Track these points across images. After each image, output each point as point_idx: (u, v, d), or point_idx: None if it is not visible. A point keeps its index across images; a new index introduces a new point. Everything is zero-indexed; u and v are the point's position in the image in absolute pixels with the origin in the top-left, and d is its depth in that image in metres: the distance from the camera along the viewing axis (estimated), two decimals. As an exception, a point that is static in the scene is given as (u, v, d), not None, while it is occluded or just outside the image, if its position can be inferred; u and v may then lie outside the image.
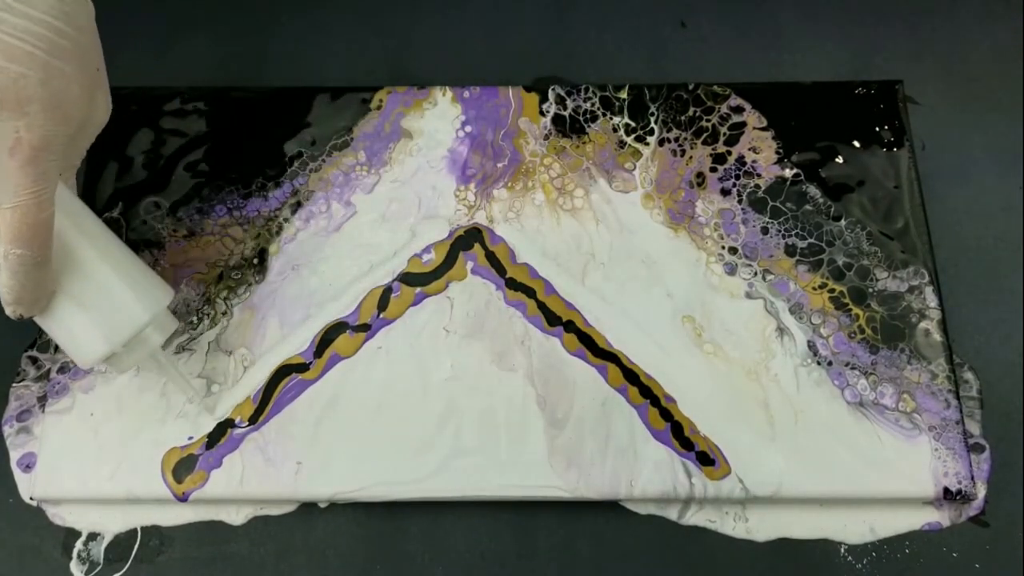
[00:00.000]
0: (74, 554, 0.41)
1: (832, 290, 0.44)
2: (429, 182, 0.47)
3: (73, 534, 0.42)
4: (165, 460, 0.41)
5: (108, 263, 0.37)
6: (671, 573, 0.41)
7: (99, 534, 0.42)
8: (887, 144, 0.48)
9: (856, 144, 0.48)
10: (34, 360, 0.45)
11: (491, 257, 0.45)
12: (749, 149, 0.48)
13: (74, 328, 0.37)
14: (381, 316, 0.44)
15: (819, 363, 0.43)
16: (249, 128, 0.49)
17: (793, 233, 0.46)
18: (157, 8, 0.54)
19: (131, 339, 0.38)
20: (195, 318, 0.44)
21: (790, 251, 0.45)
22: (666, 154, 0.48)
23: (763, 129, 0.48)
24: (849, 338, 0.43)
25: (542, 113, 0.49)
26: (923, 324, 0.44)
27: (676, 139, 0.48)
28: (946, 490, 0.40)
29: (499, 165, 0.47)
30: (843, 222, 0.46)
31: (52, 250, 0.34)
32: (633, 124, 0.48)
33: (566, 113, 0.49)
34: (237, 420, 0.42)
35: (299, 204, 0.47)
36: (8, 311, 0.35)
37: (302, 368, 0.43)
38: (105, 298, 0.37)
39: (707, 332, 0.43)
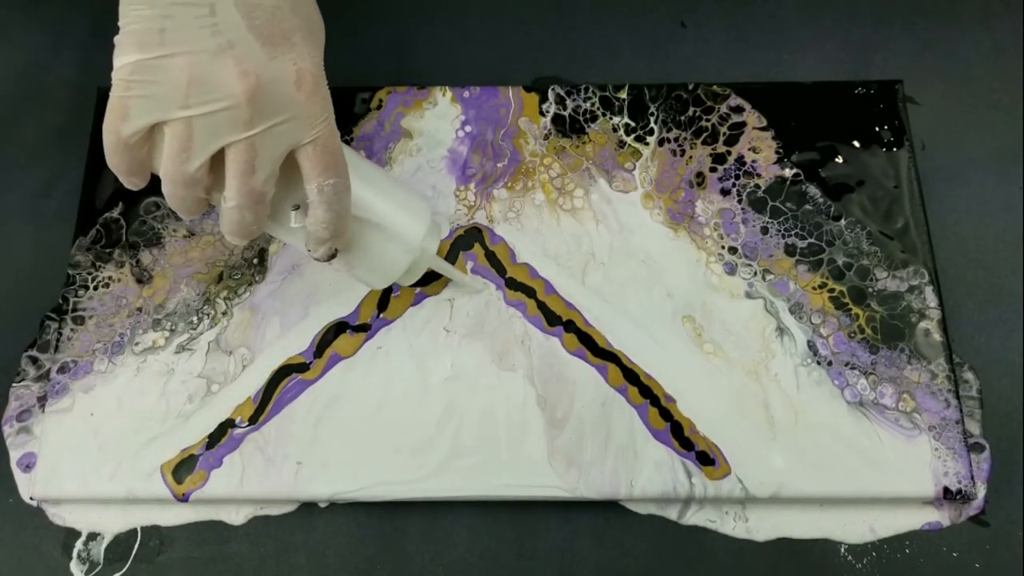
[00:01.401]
0: (74, 554, 0.41)
1: (832, 290, 0.44)
2: (429, 182, 0.47)
3: (73, 534, 0.42)
4: (165, 460, 0.41)
5: (378, 186, 0.38)
6: (671, 573, 0.41)
7: (99, 534, 0.42)
8: (887, 144, 0.48)
9: (856, 144, 0.48)
10: (34, 360, 0.45)
11: (491, 257, 0.45)
12: (749, 149, 0.48)
13: (375, 251, 0.37)
14: (381, 316, 0.44)
15: (819, 363, 0.43)
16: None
17: (793, 233, 0.46)
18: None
19: (421, 247, 0.38)
20: (195, 318, 0.44)
21: (790, 251, 0.45)
22: (666, 154, 0.48)
23: (763, 129, 0.48)
24: (849, 338, 0.43)
25: (542, 113, 0.49)
26: (923, 324, 0.44)
27: (676, 139, 0.48)
28: (946, 490, 0.40)
29: (499, 165, 0.47)
30: (843, 222, 0.46)
31: (348, 173, 0.34)
32: (633, 124, 0.48)
33: (566, 113, 0.49)
34: (237, 420, 0.42)
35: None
36: (322, 251, 0.35)
37: (302, 368, 0.43)
38: (390, 217, 0.37)
39: (707, 332, 0.43)
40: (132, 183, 0.33)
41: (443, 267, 0.42)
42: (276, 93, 0.31)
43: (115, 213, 0.47)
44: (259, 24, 0.31)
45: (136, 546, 0.41)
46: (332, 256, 0.36)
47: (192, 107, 0.30)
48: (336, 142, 0.33)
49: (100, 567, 0.41)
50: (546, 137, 0.48)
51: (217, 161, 0.32)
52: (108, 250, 0.46)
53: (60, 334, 0.44)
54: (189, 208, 0.34)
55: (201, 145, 0.31)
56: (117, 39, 0.30)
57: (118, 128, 0.31)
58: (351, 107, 0.49)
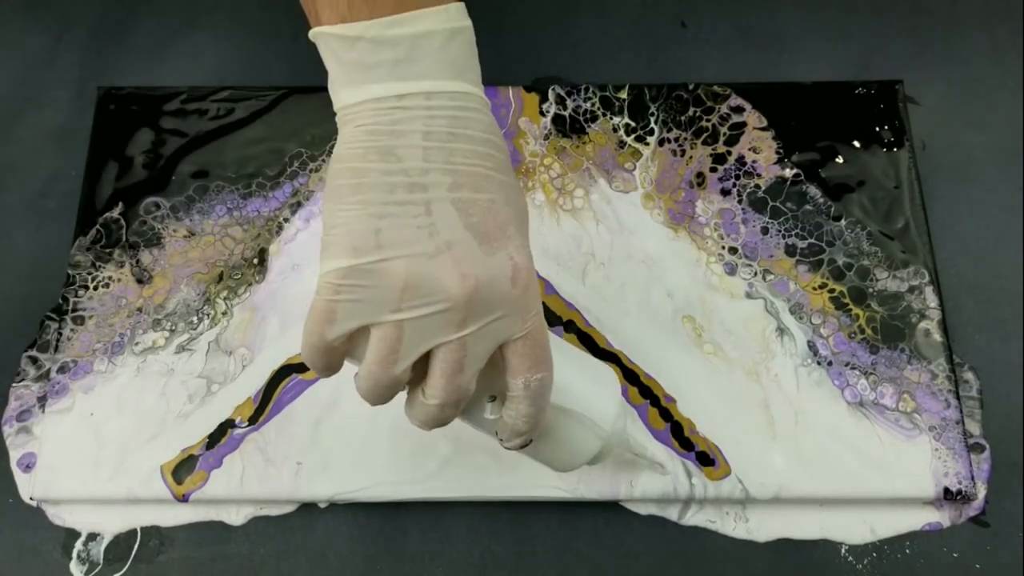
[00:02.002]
0: (74, 554, 0.41)
1: (832, 290, 0.44)
2: (429, 182, 0.47)
3: (73, 534, 0.42)
4: (165, 460, 0.41)
5: (570, 366, 0.35)
6: (671, 573, 0.41)
7: (99, 534, 0.42)
8: (887, 144, 0.48)
9: (856, 144, 0.48)
10: (34, 360, 0.45)
11: (491, 257, 0.45)
12: (749, 149, 0.48)
13: (565, 437, 0.35)
14: (381, 316, 0.44)
15: (819, 363, 0.43)
16: (249, 128, 0.49)
17: (793, 233, 0.46)
18: (157, 8, 0.54)
19: (612, 430, 0.35)
20: (195, 318, 0.44)
21: (790, 251, 0.45)
22: (666, 154, 0.48)
23: (763, 129, 0.48)
24: (849, 338, 0.43)
25: (542, 113, 0.49)
26: (923, 324, 0.44)
27: (676, 139, 0.48)
28: (946, 490, 0.40)
29: (499, 165, 0.47)
30: (843, 222, 0.46)
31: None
32: (633, 124, 0.48)
33: (566, 113, 0.49)
34: (237, 420, 0.42)
35: (299, 204, 0.47)
36: (516, 443, 0.33)
37: (302, 368, 0.43)
38: (581, 399, 0.35)
39: (707, 332, 0.43)
40: (324, 375, 0.32)
41: (638, 447, 0.39)
42: (493, 291, 0.29)
43: (115, 213, 0.47)
44: (476, 221, 0.29)
45: (136, 546, 0.41)
46: (525, 446, 0.34)
47: (405, 311, 0.28)
48: (545, 335, 0.31)
49: (100, 567, 0.41)
50: (546, 137, 0.48)
51: (422, 357, 0.30)
52: (108, 250, 0.46)
53: (60, 334, 0.44)
54: (383, 402, 0.32)
55: (410, 347, 0.29)
56: (325, 239, 0.29)
57: (323, 331, 0.29)
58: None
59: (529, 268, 0.30)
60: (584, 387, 0.35)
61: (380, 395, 0.31)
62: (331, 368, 0.31)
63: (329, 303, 0.28)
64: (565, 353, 0.35)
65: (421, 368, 0.30)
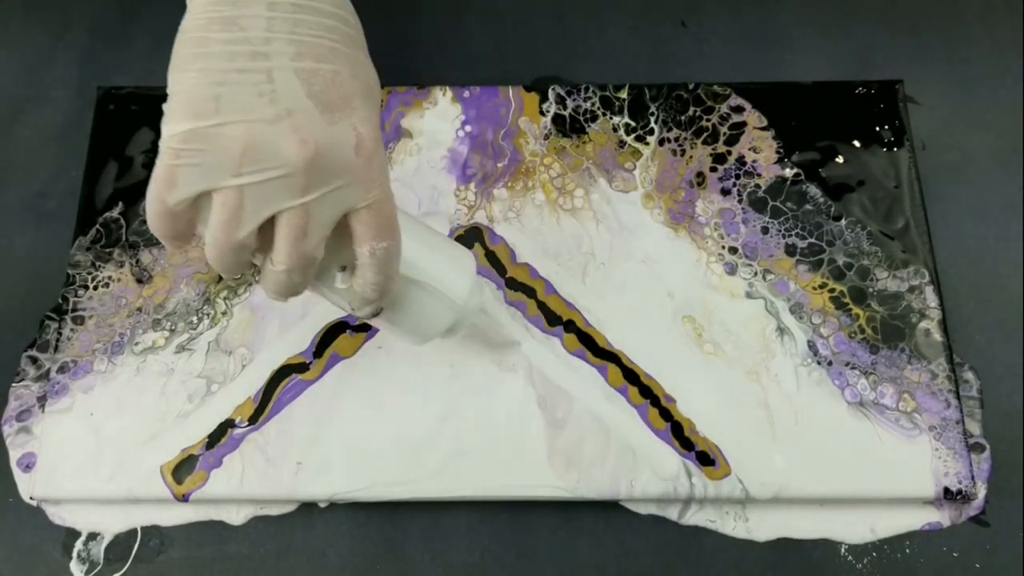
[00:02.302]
0: (74, 554, 0.41)
1: (832, 290, 0.44)
2: (429, 182, 0.47)
3: (73, 534, 0.42)
4: (165, 460, 0.41)
5: (423, 242, 0.37)
6: (671, 573, 0.41)
7: (99, 534, 0.42)
8: (887, 144, 0.48)
9: (856, 144, 0.48)
10: (34, 360, 0.45)
11: (491, 257, 0.45)
12: (749, 149, 0.48)
13: (417, 310, 0.37)
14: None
15: (819, 363, 0.43)
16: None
17: (793, 233, 0.46)
18: (157, 8, 0.54)
19: (465, 305, 0.38)
20: (195, 318, 0.44)
21: (790, 251, 0.45)
22: (666, 154, 0.48)
23: (763, 129, 0.48)
24: (849, 338, 0.43)
25: (542, 113, 0.49)
26: (923, 324, 0.44)
27: (676, 139, 0.48)
28: (946, 490, 0.40)
29: (499, 165, 0.47)
30: (843, 222, 0.46)
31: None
32: (633, 124, 0.48)
33: (566, 113, 0.49)
34: (237, 420, 0.42)
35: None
36: (367, 311, 0.34)
37: (302, 368, 0.43)
38: (433, 275, 0.37)
39: (707, 332, 0.43)
40: (175, 246, 0.32)
41: (486, 323, 0.41)
42: (334, 159, 0.30)
43: (115, 213, 0.47)
44: (318, 90, 0.30)
45: (136, 546, 0.41)
46: (376, 315, 0.35)
47: (245, 175, 0.29)
48: (391, 205, 0.33)
49: (100, 567, 0.41)
50: (546, 137, 0.48)
51: (265, 224, 0.31)
52: (108, 250, 0.46)
53: (60, 334, 0.44)
54: (233, 271, 0.32)
55: (252, 213, 0.30)
56: (167, 106, 0.29)
57: (164, 197, 0.30)
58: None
59: (374, 139, 0.31)
60: (437, 262, 0.37)
61: (227, 262, 0.32)
62: (179, 237, 0.31)
63: (170, 168, 0.29)
64: (419, 229, 0.37)
65: (269, 236, 0.31)
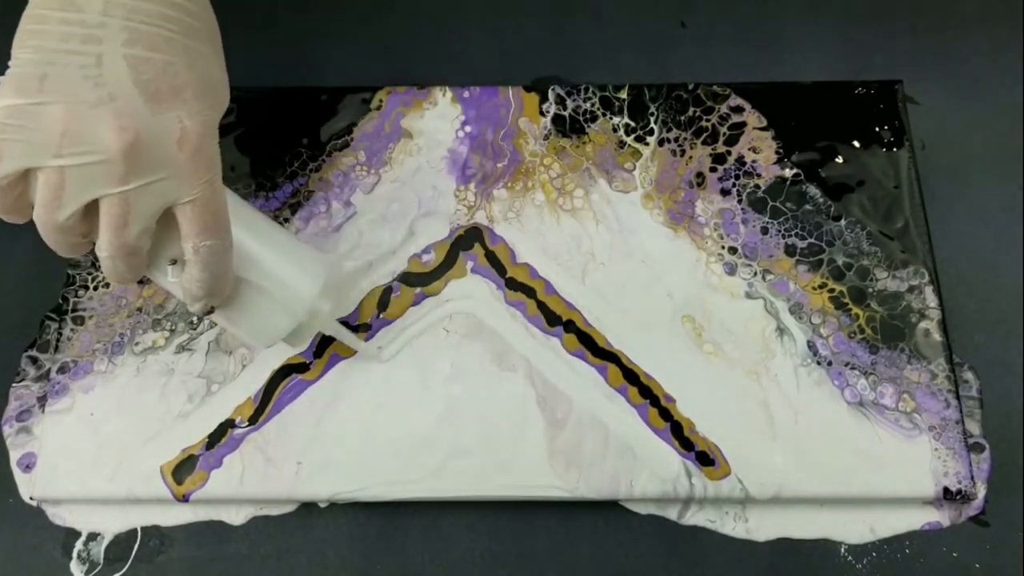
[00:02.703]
0: (74, 554, 0.41)
1: (832, 290, 0.44)
2: (429, 182, 0.47)
3: (73, 534, 0.42)
4: (165, 460, 0.41)
5: (270, 245, 0.37)
6: (671, 573, 0.41)
7: (99, 534, 0.42)
8: (887, 144, 0.48)
9: (856, 144, 0.48)
10: (34, 360, 0.45)
11: (491, 257, 0.45)
12: (749, 149, 0.48)
13: (256, 312, 0.37)
14: (381, 316, 0.44)
15: (819, 363, 0.43)
16: (249, 128, 0.49)
17: (793, 233, 0.46)
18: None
19: (310, 311, 0.38)
20: (195, 318, 0.44)
21: (790, 251, 0.45)
22: (666, 154, 0.48)
23: (763, 129, 0.48)
24: (849, 338, 0.43)
25: (542, 113, 0.49)
26: (923, 324, 0.44)
27: (676, 139, 0.48)
28: (946, 490, 0.40)
29: (499, 165, 0.47)
30: (843, 222, 0.46)
31: (231, 236, 0.34)
32: (633, 124, 0.48)
33: (566, 113, 0.49)
34: (237, 420, 0.42)
35: (299, 204, 0.47)
36: (197, 307, 0.35)
37: (302, 368, 0.43)
38: (278, 278, 0.37)
39: (707, 332, 0.43)
40: (10, 219, 0.32)
41: (338, 332, 0.41)
42: (156, 150, 0.30)
43: (115, 213, 0.47)
44: (147, 79, 0.30)
45: (136, 546, 0.41)
46: (209, 312, 0.35)
47: (65, 157, 0.29)
48: (217, 203, 0.32)
49: (100, 567, 0.41)
50: (546, 137, 0.48)
51: (93, 208, 0.31)
52: (108, 250, 0.46)
53: (60, 334, 0.44)
54: (64, 251, 0.33)
55: (72, 195, 0.30)
56: (0, 79, 0.30)
57: None
58: (351, 107, 0.49)
59: (201, 135, 0.31)
60: (281, 267, 0.37)
61: (54, 241, 0.32)
62: (8, 212, 0.32)
63: None
64: (268, 231, 0.37)
65: (97, 222, 0.31)
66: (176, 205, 0.32)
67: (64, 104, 0.29)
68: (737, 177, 0.47)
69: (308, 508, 0.42)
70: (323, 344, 0.43)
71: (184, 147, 0.31)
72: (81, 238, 0.32)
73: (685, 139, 0.48)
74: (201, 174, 0.31)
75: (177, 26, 0.31)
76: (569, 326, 0.44)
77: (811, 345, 0.43)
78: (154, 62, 0.30)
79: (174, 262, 0.34)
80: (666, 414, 0.42)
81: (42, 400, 0.43)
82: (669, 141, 0.48)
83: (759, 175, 0.47)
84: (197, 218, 0.32)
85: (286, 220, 0.46)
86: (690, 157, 0.48)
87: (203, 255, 0.32)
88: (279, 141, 0.48)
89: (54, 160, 0.29)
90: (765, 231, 0.46)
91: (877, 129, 0.48)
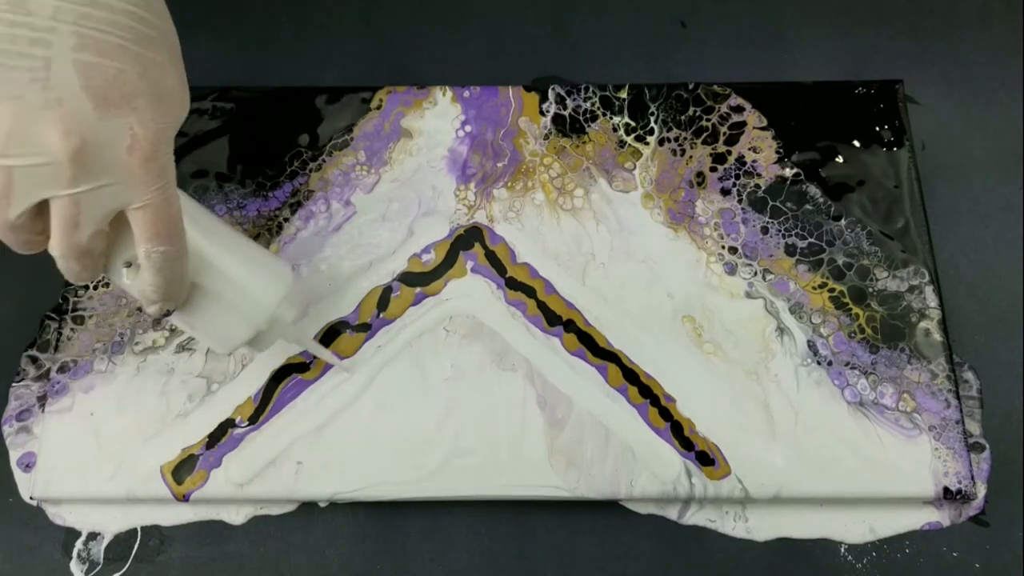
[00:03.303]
0: (74, 554, 0.41)
1: (832, 290, 0.44)
2: (429, 182, 0.47)
3: (73, 534, 0.42)
4: (165, 460, 0.41)
5: (231, 252, 0.37)
6: (671, 573, 0.41)
7: (99, 534, 0.42)
8: (887, 144, 0.48)
9: (856, 144, 0.48)
10: (34, 360, 0.45)
11: (491, 256, 0.45)
12: (749, 149, 0.48)
13: (214, 318, 0.37)
14: (381, 316, 0.44)
15: (819, 363, 0.43)
16: (249, 128, 0.49)
17: (793, 233, 0.46)
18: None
19: (269, 319, 0.38)
20: (195, 318, 0.44)
21: (790, 251, 0.45)
22: (666, 154, 0.48)
23: (763, 129, 0.48)
24: (849, 338, 0.43)
25: (542, 113, 0.49)
26: (923, 324, 0.44)
27: (676, 139, 0.48)
28: (946, 490, 0.40)
29: (499, 165, 0.47)
30: (843, 222, 0.46)
31: (186, 242, 0.34)
32: (633, 124, 0.48)
33: (566, 113, 0.49)
34: (237, 420, 0.42)
35: (299, 204, 0.47)
36: (152, 309, 0.35)
37: (302, 368, 0.43)
38: (237, 285, 0.37)
39: (707, 332, 0.43)
40: None
41: (305, 343, 0.41)
42: (104, 156, 0.30)
43: (115, 213, 0.47)
44: (96, 85, 0.30)
45: (136, 546, 0.41)
46: (165, 315, 0.36)
47: (12, 157, 0.30)
48: (170, 211, 0.33)
49: (100, 567, 0.41)
50: (546, 137, 0.48)
51: (46, 208, 0.31)
52: (108, 250, 0.46)
53: (60, 334, 0.44)
54: (19, 248, 0.33)
55: (21, 195, 0.30)
56: None
57: None
58: (351, 107, 0.49)
59: (153, 142, 0.31)
60: (240, 275, 0.37)
61: (6, 238, 0.33)
62: None
63: None
64: (228, 238, 0.38)
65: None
66: (128, 209, 0.32)
67: (11, 103, 0.29)
68: (737, 177, 0.47)
69: (308, 508, 0.42)
70: (323, 344, 0.43)
71: (134, 154, 0.31)
72: (35, 235, 0.32)
73: (685, 139, 0.48)
74: (151, 181, 0.32)
75: (129, 34, 0.31)
76: (569, 326, 0.44)
77: (811, 345, 0.43)
78: (104, 68, 0.30)
79: (129, 264, 0.35)
80: (666, 414, 0.42)
81: (42, 400, 0.43)
82: (669, 141, 0.48)
83: (759, 175, 0.47)
84: (149, 224, 0.32)
85: (286, 220, 0.46)
86: (690, 157, 0.48)
87: (155, 260, 0.33)
88: (279, 141, 0.48)
89: (2, 159, 0.30)
90: (765, 231, 0.46)
91: (877, 129, 0.48)
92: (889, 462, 0.41)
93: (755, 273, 0.45)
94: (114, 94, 0.30)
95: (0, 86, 0.29)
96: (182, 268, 0.34)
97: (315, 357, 0.43)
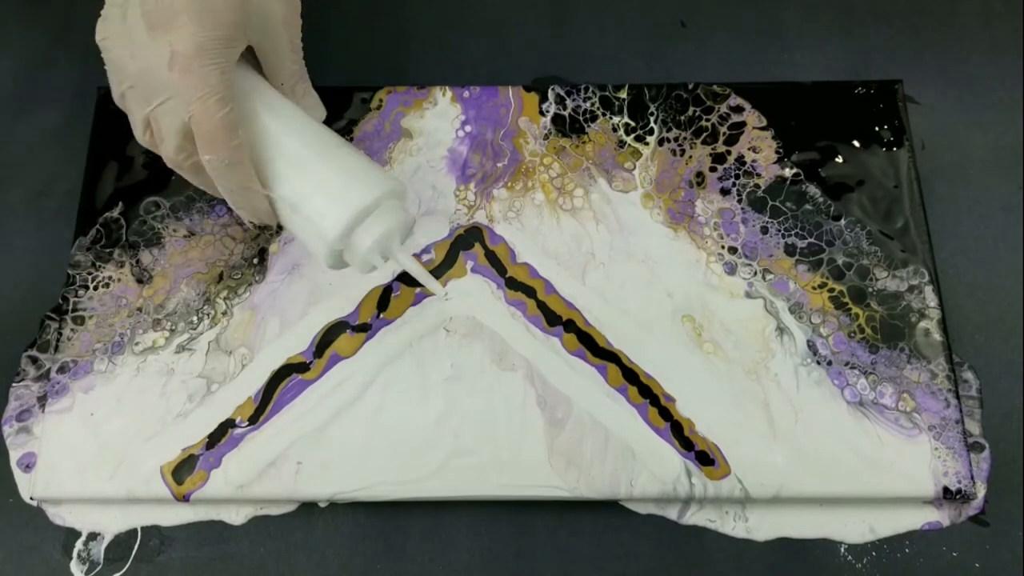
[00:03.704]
0: (74, 554, 0.41)
1: (832, 289, 0.44)
2: (429, 182, 0.47)
3: (73, 534, 0.42)
4: (165, 460, 0.41)
5: (304, 164, 0.36)
6: (671, 573, 0.41)
7: (99, 534, 0.42)
8: (887, 144, 0.48)
9: (856, 144, 0.48)
10: (34, 360, 0.45)
11: (491, 256, 0.45)
12: (749, 149, 0.48)
13: (299, 233, 0.37)
14: (381, 316, 0.44)
15: (819, 363, 0.43)
16: (249, 128, 0.49)
17: (793, 233, 0.46)
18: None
19: (369, 208, 0.36)
20: (195, 318, 0.44)
21: (790, 251, 0.45)
22: (666, 154, 0.48)
23: (763, 129, 0.48)
24: (849, 338, 0.43)
25: (542, 113, 0.49)
26: (923, 323, 0.44)
27: (676, 139, 0.48)
28: (946, 490, 0.40)
29: (499, 165, 0.48)
30: (843, 222, 0.46)
31: (245, 150, 0.35)
32: (633, 124, 0.48)
33: (566, 113, 0.49)
34: (237, 420, 0.42)
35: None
36: (248, 224, 0.39)
37: (302, 368, 0.43)
38: (330, 181, 0.36)
39: (707, 332, 0.43)
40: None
41: (401, 261, 0.38)
42: (154, 74, 0.34)
43: (115, 213, 0.47)
44: (149, 9, 0.34)
45: (136, 546, 0.41)
46: (265, 228, 0.39)
47: (123, 85, 0.36)
48: (213, 122, 0.34)
49: (100, 567, 0.41)
50: (546, 137, 0.48)
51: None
52: (108, 250, 0.46)
53: (60, 334, 0.44)
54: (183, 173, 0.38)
55: (134, 115, 0.36)
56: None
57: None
58: (351, 107, 0.49)
59: (189, 55, 0.34)
60: (314, 190, 0.36)
61: (173, 163, 0.37)
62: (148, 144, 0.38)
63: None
64: (313, 148, 0.37)
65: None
66: (191, 122, 0.35)
67: (111, 40, 0.35)
68: (737, 177, 0.47)
69: (308, 508, 0.42)
70: (323, 344, 0.43)
71: (173, 69, 0.33)
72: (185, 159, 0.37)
73: (685, 139, 0.48)
74: (190, 92, 0.34)
75: None
76: (569, 326, 0.44)
77: (811, 345, 0.43)
78: None
79: None
80: (666, 414, 0.42)
81: (42, 400, 0.43)
82: (669, 141, 0.48)
83: (759, 175, 0.47)
84: (196, 134, 0.35)
85: (286, 220, 0.46)
86: (690, 157, 0.48)
87: (213, 168, 0.35)
88: (279, 141, 0.48)
89: (120, 87, 0.36)
90: (765, 231, 0.46)
91: (877, 129, 0.48)
92: (889, 462, 0.41)
93: (755, 273, 0.45)
94: (160, 16, 0.34)
95: (104, 27, 0.35)
96: (238, 177, 0.35)
97: (316, 357, 0.43)
